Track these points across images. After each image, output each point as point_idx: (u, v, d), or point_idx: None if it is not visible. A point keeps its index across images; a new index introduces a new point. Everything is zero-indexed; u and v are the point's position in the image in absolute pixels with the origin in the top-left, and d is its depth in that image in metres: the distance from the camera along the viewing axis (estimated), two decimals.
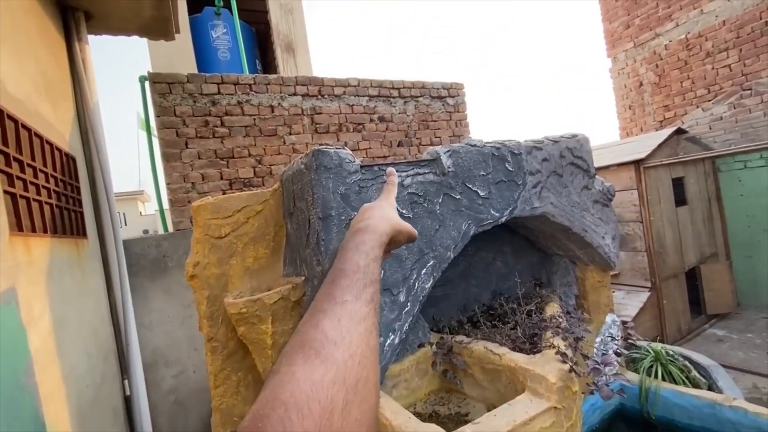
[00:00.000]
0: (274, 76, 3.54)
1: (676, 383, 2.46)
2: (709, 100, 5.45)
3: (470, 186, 1.85)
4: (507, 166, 1.98)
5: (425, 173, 1.73)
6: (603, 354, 1.70)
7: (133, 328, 2.51)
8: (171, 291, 2.80)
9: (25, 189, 1.55)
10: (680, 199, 4.52)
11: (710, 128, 5.15)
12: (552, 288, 2.51)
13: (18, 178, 1.49)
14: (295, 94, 3.60)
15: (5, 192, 1.37)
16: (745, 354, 3.83)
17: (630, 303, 4.01)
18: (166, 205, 3.25)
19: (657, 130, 5.76)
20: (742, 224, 4.86)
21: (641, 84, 6.39)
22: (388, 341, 1.54)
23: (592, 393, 1.39)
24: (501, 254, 2.57)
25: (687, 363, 2.61)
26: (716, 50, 5.45)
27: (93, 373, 1.99)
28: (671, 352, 2.61)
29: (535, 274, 2.62)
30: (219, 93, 3.28)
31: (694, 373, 2.56)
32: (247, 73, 4.18)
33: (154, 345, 2.74)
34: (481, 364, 1.66)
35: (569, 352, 1.42)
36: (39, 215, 1.63)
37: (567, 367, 1.37)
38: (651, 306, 4.03)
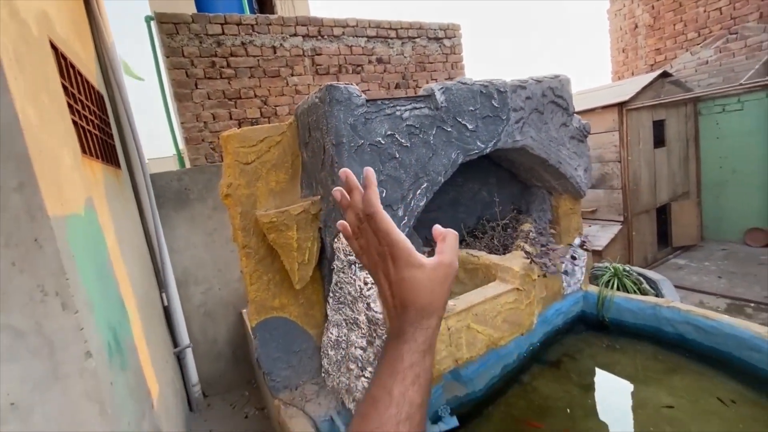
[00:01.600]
0: (275, 16, 3.63)
1: (628, 293, 2.93)
2: (699, 44, 5.56)
3: (460, 120, 2.14)
4: (493, 102, 2.26)
5: (421, 107, 2.01)
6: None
7: (165, 249, 2.89)
8: (194, 220, 3.14)
9: (80, 118, 1.81)
10: (659, 141, 4.83)
11: (695, 71, 5.33)
12: (529, 214, 2.89)
13: (74, 108, 1.75)
14: (295, 35, 3.71)
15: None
16: (699, 278, 4.37)
17: (602, 235, 4.46)
18: (180, 143, 3.50)
19: (647, 74, 5.91)
20: (714, 165, 5.23)
21: (636, 26, 6.42)
22: None
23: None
24: (486, 185, 2.92)
25: (640, 278, 3.08)
26: None
27: (143, 281, 2.38)
28: (627, 269, 3.07)
29: (516, 203, 2.99)
30: (223, 33, 3.40)
31: (645, 285, 3.03)
32: (247, 13, 4.22)
33: (184, 266, 3.13)
34: (464, 265, 2.07)
35: (533, 251, 1.81)
36: (92, 143, 1.91)
37: (528, 261, 1.76)
38: (621, 237, 4.49)
